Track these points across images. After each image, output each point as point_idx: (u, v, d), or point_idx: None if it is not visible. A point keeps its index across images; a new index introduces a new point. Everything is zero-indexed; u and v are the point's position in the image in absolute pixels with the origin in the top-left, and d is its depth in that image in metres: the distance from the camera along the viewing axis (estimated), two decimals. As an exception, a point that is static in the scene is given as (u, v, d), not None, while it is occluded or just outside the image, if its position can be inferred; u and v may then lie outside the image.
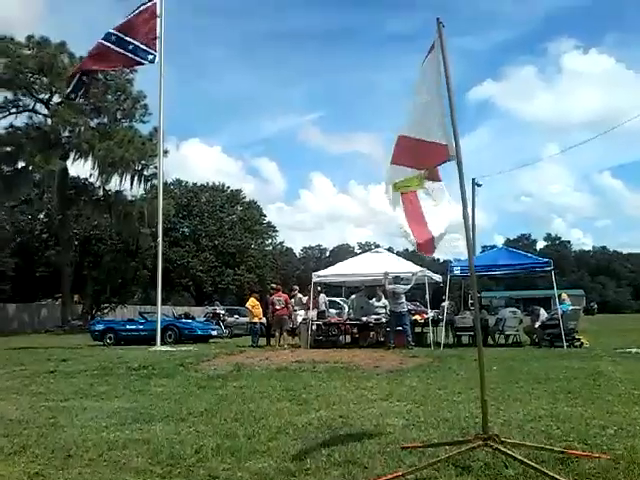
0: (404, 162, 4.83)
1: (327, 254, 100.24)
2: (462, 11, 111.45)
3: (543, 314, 16.22)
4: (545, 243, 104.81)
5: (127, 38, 17.03)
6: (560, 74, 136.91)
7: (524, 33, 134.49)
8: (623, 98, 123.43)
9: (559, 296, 15.64)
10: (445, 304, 16.48)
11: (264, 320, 18.49)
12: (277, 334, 17.30)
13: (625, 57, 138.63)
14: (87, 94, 28.80)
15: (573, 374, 9.09)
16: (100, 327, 22.62)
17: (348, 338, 18.17)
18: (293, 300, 18.10)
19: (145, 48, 17.18)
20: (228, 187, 61.98)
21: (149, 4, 17.53)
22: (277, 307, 17.29)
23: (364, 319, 16.89)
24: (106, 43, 17.19)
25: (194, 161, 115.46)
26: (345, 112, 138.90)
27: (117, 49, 17.09)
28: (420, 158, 4.80)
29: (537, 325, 15.94)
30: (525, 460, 4.01)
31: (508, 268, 17.09)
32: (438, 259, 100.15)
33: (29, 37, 34.70)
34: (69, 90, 18.34)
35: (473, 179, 31.64)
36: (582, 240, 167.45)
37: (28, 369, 11.49)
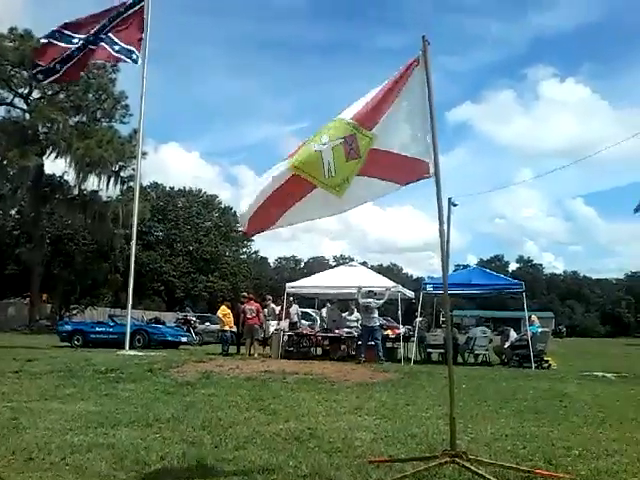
0: (375, 174, 4.78)
1: (302, 265, 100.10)
2: (448, 31, 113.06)
3: (513, 335, 16.38)
4: (517, 265, 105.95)
5: (112, 37, 16.85)
6: (537, 100, 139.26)
7: (505, 57, 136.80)
8: (597, 128, 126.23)
9: (529, 318, 15.81)
10: (418, 320, 16.55)
11: (235, 329, 18.38)
12: (247, 343, 17.20)
13: (600, 88, 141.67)
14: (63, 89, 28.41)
15: (540, 395, 9.18)
16: (68, 328, 22.34)
17: (319, 350, 18.13)
18: (266, 310, 18.02)
19: (129, 47, 17.02)
20: (204, 192, 61.79)
21: (137, 7, 17.38)
22: (248, 316, 17.21)
23: (336, 332, 16.88)
24: (91, 46, 16.93)
25: (171, 165, 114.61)
26: (324, 122, 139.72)
27: (103, 44, 16.87)
28: (395, 172, 4.81)
29: (507, 345, 16.08)
30: (491, 478, 4.04)
31: (481, 288, 17.26)
32: (411, 275, 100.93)
33: (11, 29, 34.18)
34: (35, 71, 17.72)
35: (449, 198, 31.96)
36: (553, 264, 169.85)
37: (-8, 368, 11.26)
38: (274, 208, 4.66)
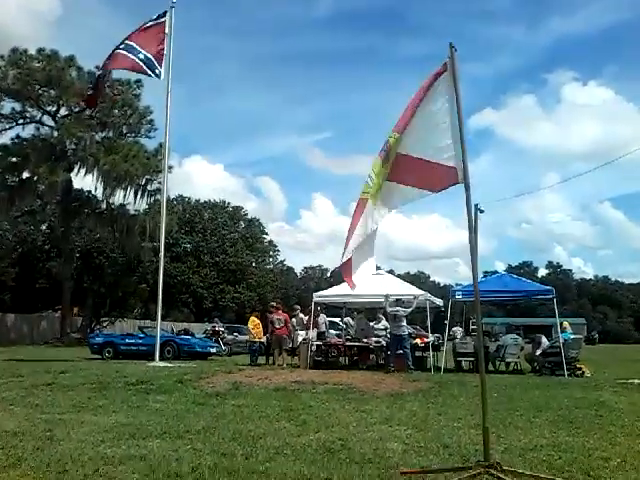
0: (408, 182, 4.79)
1: (328, 275, 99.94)
2: (466, 37, 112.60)
3: (545, 342, 16.12)
4: (547, 271, 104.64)
5: (137, 47, 17.21)
6: (560, 104, 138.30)
7: (524, 63, 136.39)
8: (623, 130, 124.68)
9: (561, 324, 15.56)
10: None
11: (264, 339, 18.41)
12: (276, 353, 17.20)
13: (624, 90, 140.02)
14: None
15: (575, 403, 9.00)
16: (99, 340, 22.55)
17: (347, 359, 18.04)
18: (294, 320, 18.02)
19: (153, 60, 17.33)
20: (229, 204, 62.16)
21: (159, 21, 17.70)
22: (276, 326, 17.23)
23: (365, 341, 16.80)
24: (118, 51, 17.38)
25: (196, 177, 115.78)
26: (350, 134, 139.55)
27: (128, 54, 17.26)
28: (426, 179, 4.79)
29: (538, 353, 15.84)
30: (527, 490, 3.96)
31: (511, 294, 17.04)
32: (439, 283, 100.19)
33: (39, 50, 34.98)
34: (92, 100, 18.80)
35: (476, 205, 31.69)
36: (583, 269, 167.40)
37: (26, 380, 11.42)
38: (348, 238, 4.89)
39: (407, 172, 4.77)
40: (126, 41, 17.31)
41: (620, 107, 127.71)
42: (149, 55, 17.25)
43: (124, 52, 17.25)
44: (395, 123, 4.81)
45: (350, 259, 4.90)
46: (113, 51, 17.45)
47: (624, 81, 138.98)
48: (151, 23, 17.66)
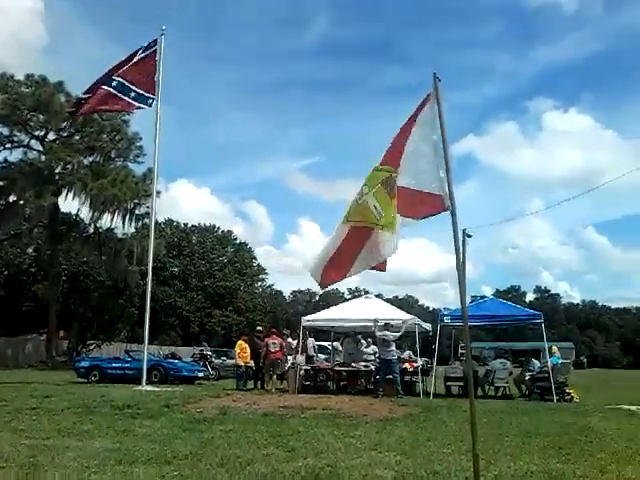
0: (405, 212, 4.84)
1: (317, 298, 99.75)
2: (447, 66, 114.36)
3: (536, 364, 16.17)
4: (534, 295, 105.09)
5: (127, 84, 17.30)
6: (541, 132, 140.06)
7: (504, 91, 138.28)
8: (601, 157, 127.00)
9: (549, 348, 15.59)
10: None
11: (251, 363, 18.29)
12: (267, 378, 17.08)
13: (601, 117, 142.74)
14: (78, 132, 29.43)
15: (564, 429, 8.99)
16: (85, 364, 22.32)
17: (336, 384, 17.94)
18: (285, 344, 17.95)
19: (145, 94, 17.47)
20: (219, 228, 62.15)
21: (150, 50, 17.84)
22: (272, 349, 17.14)
23: (353, 365, 16.74)
24: (107, 88, 17.38)
25: (182, 202, 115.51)
26: (337, 159, 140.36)
27: (118, 94, 17.34)
28: (411, 206, 4.84)
29: (527, 377, 15.84)
30: (518, 517, 3.93)
31: (499, 319, 17.10)
32: (427, 307, 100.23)
33: (28, 76, 35.16)
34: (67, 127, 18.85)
35: (464, 230, 31.85)
36: (570, 293, 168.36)
37: (10, 405, 11.23)
38: (345, 259, 4.98)
39: (404, 204, 4.84)
40: (115, 77, 17.34)
41: (599, 134, 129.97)
42: (140, 91, 17.41)
43: (115, 92, 17.32)
44: (384, 157, 4.89)
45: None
46: (102, 84, 17.44)
47: (602, 109, 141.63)
48: (142, 55, 17.78)
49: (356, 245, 4.89)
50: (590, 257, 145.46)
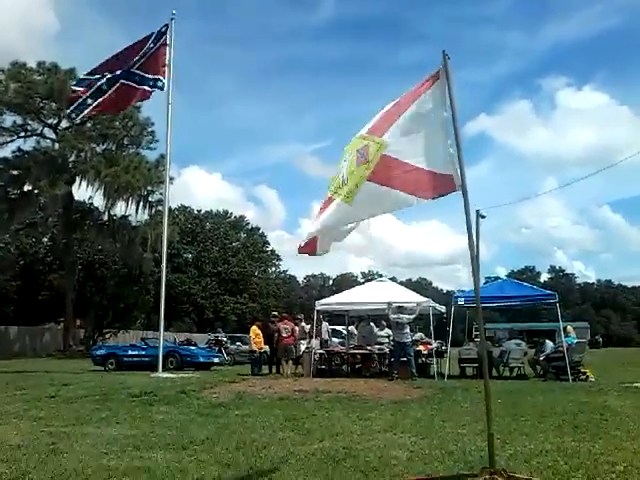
0: (391, 183, 4.75)
1: (330, 283, 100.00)
2: (458, 44, 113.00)
3: (549, 345, 16.10)
4: (549, 275, 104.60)
5: (143, 73, 17.23)
6: (555, 110, 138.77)
7: (517, 69, 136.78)
8: (616, 134, 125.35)
9: (564, 329, 15.52)
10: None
11: (266, 348, 18.38)
12: (283, 362, 17.16)
13: (617, 94, 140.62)
14: (91, 119, 29.28)
15: (579, 408, 8.96)
16: (102, 352, 22.53)
17: (350, 367, 18.00)
18: (297, 328, 18.00)
19: (156, 77, 17.40)
20: (231, 213, 62.28)
21: (161, 35, 17.75)
22: (284, 335, 17.20)
23: (368, 348, 16.79)
24: (122, 81, 17.30)
25: (194, 188, 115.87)
26: (345, 141, 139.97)
27: (135, 85, 17.28)
28: (420, 185, 4.77)
29: (542, 358, 15.80)
30: (533, 496, 3.94)
31: (513, 299, 17.00)
32: (441, 289, 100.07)
33: (40, 63, 35.27)
34: (70, 110, 18.39)
35: (477, 210, 31.63)
36: (584, 273, 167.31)
37: (29, 393, 11.40)
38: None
39: (396, 176, 4.73)
40: (134, 69, 17.27)
41: (614, 111, 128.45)
42: (152, 76, 17.35)
43: (131, 84, 17.25)
44: (369, 127, 4.86)
45: (316, 239, 5.07)
46: (118, 78, 17.32)
47: (616, 85, 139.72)
48: (154, 41, 17.66)
49: (323, 212, 4.92)
50: (605, 236, 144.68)
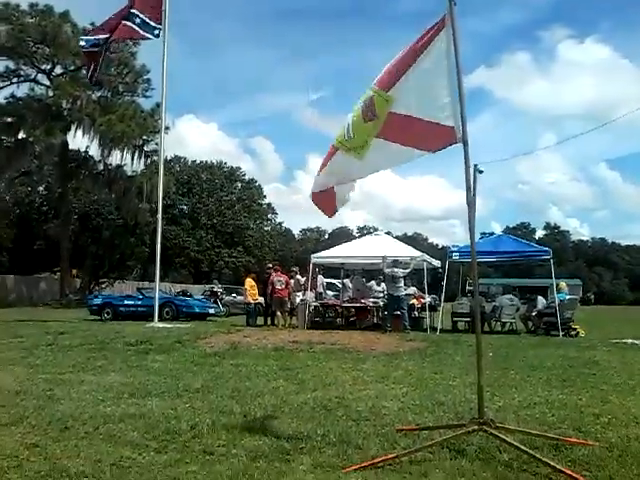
0: (397, 139, 4.72)
1: (326, 236, 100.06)
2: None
3: (542, 301, 16.25)
4: (544, 232, 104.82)
5: (134, 10, 16.92)
6: (555, 63, 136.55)
7: (518, 20, 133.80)
8: (618, 88, 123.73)
9: (557, 285, 15.64)
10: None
11: (260, 300, 18.52)
12: (278, 314, 17.33)
13: (620, 46, 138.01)
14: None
15: (568, 363, 9.12)
16: (98, 302, 22.67)
17: (344, 320, 18.19)
18: (292, 281, 18.11)
19: (151, 22, 17.08)
20: (226, 164, 61.77)
21: None
22: (278, 287, 17.31)
23: (362, 301, 16.94)
24: (114, 17, 17.06)
25: (190, 138, 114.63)
26: (347, 93, 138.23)
27: (125, 22, 16.99)
28: (423, 138, 4.72)
29: (534, 313, 15.98)
30: (519, 445, 4.04)
31: (508, 255, 17.06)
32: (437, 244, 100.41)
33: (32, 5, 34.09)
34: (90, 74, 18.30)
35: (475, 165, 31.43)
36: (579, 230, 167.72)
37: (26, 341, 11.54)
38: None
39: (403, 131, 4.69)
40: (133, 9, 17.00)
41: (616, 65, 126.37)
42: (146, 19, 17.02)
43: (130, 24, 17.01)
44: (378, 78, 4.77)
45: (332, 191, 5.05)
46: (110, 18, 17.09)
47: (620, 38, 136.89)
48: None
49: (325, 162, 4.95)
50: (601, 193, 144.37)
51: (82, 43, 18.25)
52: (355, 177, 5.09)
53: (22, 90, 35.64)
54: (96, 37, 17.58)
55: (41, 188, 45.13)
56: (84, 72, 35.18)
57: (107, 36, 17.28)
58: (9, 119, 34.49)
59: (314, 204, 5.24)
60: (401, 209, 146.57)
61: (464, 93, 4.58)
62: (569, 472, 3.64)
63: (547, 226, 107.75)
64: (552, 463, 3.78)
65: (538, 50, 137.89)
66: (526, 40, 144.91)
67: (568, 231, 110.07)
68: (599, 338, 13.60)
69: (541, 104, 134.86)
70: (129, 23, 17.01)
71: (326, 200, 5.15)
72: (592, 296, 61.88)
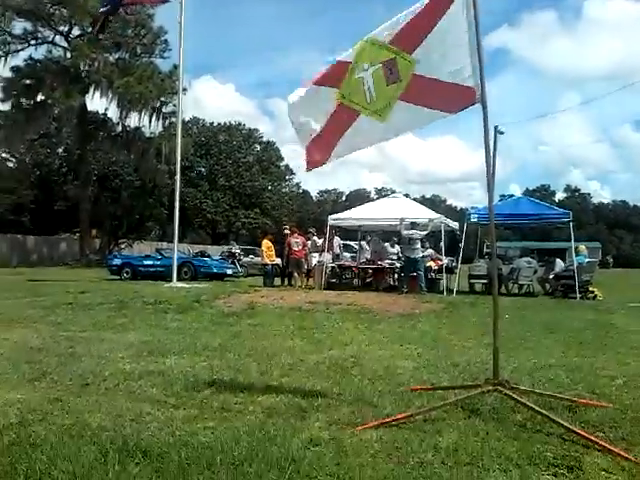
0: (420, 102, 4.65)
1: (343, 198, 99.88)
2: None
3: (560, 264, 16.15)
4: (564, 195, 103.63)
5: None
6: (580, 21, 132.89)
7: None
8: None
9: (576, 248, 15.50)
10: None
11: (278, 261, 18.62)
12: (295, 275, 17.44)
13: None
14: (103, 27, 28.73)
15: (585, 325, 9.10)
16: (117, 262, 22.96)
17: (361, 281, 18.25)
18: (309, 242, 18.15)
19: None
20: (244, 125, 61.47)
21: None
22: (295, 248, 17.37)
23: (379, 263, 16.96)
24: None
25: (207, 99, 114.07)
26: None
27: None
28: (443, 100, 4.64)
29: (551, 276, 15.90)
30: (534, 406, 4.06)
31: (528, 218, 16.91)
32: (455, 206, 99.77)
33: (48, -36, 33.94)
34: (96, 30, 18.23)
35: (495, 126, 30.99)
36: (599, 192, 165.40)
37: (47, 300, 11.73)
38: (329, 138, 4.76)
39: (425, 93, 4.61)
40: None
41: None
42: None
43: None
44: (395, 35, 4.62)
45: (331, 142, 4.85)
46: None
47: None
48: None
49: (342, 126, 4.73)
50: (623, 156, 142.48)
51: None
52: (377, 141, 5.01)
53: (40, 52, 35.73)
54: None
55: (60, 150, 45.37)
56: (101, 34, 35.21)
57: None
58: (28, 81, 34.51)
59: (306, 153, 4.95)
60: (419, 171, 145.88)
61: (483, 53, 4.49)
62: (582, 433, 3.66)
63: (567, 188, 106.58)
64: (565, 424, 3.79)
65: (563, 7, 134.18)
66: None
67: (589, 194, 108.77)
68: (617, 301, 13.54)
69: (564, 64, 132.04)
70: None
71: (318, 149, 4.92)
72: (611, 259, 61.26)
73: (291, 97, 4.89)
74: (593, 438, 3.57)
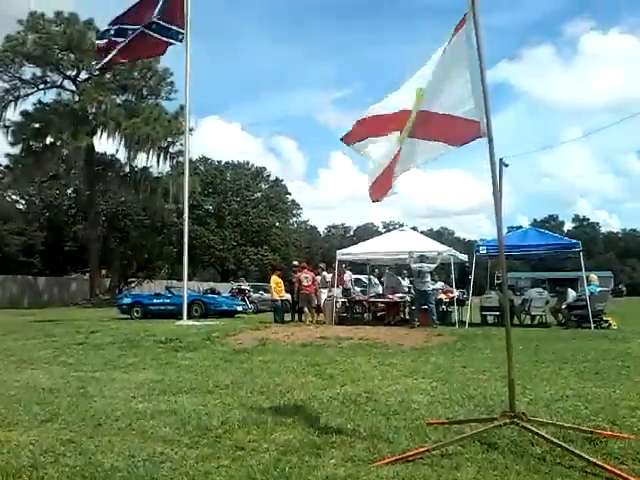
0: (425, 135, 4.72)
1: (351, 233, 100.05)
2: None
3: (572, 294, 16.01)
4: (573, 224, 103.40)
5: (159, 21, 16.99)
6: (578, 55, 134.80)
7: (540, 14, 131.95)
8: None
9: (587, 277, 15.39)
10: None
11: (287, 297, 18.56)
12: (305, 310, 17.37)
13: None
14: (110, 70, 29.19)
15: (601, 355, 8.98)
16: (127, 301, 22.96)
17: (372, 315, 18.14)
18: (319, 278, 18.12)
19: (176, 29, 17.16)
20: (252, 164, 61.99)
21: None
22: (305, 284, 17.33)
23: (389, 297, 16.89)
24: (144, 30, 17.10)
25: (213, 138, 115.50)
26: (370, 90, 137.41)
27: (152, 33, 17.08)
28: (448, 133, 4.70)
29: (564, 306, 15.76)
30: (552, 439, 3.99)
31: (536, 248, 16.83)
32: (463, 239, 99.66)
33: (58, 13, 34.80)
34: (98, 66, 18.42)
35: (501, 159, 31.12)
36: (608, 222, 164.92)
37: (58, 340, 11.72)
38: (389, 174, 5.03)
39: (430, 127, 4.69)
40: (155, 19, 17.03)
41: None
42: (171, 27, 17.09)
43: (152, 33, 17.05)
44: (417, 75, 4.78)
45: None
46: (141, 28, 17.10)
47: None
48: None
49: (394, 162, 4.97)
50: (630, 184, 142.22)
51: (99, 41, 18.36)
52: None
53: (49, 96, 36.45)
54: (122, 25, 17.57)
55: (69, 191, 45.86)
56: (108, 77, 35.90)
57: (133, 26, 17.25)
58: (37, 125, 35.12)
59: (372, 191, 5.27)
60: (426, 205, 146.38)
61: (487, 87, 4.54)
62: (605, 465, 3.58)
63: (576, 218, 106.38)
64: (586, 456, 3.72)
65: (561, 43, 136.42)
66: (548, 33, 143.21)
67: (598, 223, 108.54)
68: (632, 330, 13.36)
69: (565, 97, 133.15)
70: (160, 36, 17.10)
71: (381, 183, 5.17)
72: (624, 288, 60.79)
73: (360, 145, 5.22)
74: (616, 471, 3.50)
